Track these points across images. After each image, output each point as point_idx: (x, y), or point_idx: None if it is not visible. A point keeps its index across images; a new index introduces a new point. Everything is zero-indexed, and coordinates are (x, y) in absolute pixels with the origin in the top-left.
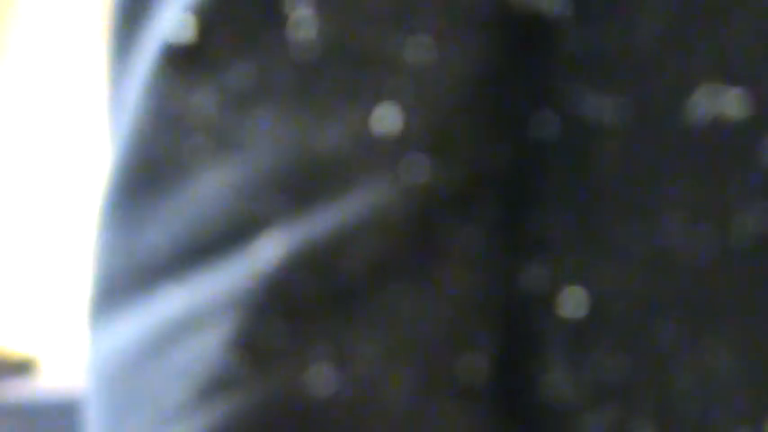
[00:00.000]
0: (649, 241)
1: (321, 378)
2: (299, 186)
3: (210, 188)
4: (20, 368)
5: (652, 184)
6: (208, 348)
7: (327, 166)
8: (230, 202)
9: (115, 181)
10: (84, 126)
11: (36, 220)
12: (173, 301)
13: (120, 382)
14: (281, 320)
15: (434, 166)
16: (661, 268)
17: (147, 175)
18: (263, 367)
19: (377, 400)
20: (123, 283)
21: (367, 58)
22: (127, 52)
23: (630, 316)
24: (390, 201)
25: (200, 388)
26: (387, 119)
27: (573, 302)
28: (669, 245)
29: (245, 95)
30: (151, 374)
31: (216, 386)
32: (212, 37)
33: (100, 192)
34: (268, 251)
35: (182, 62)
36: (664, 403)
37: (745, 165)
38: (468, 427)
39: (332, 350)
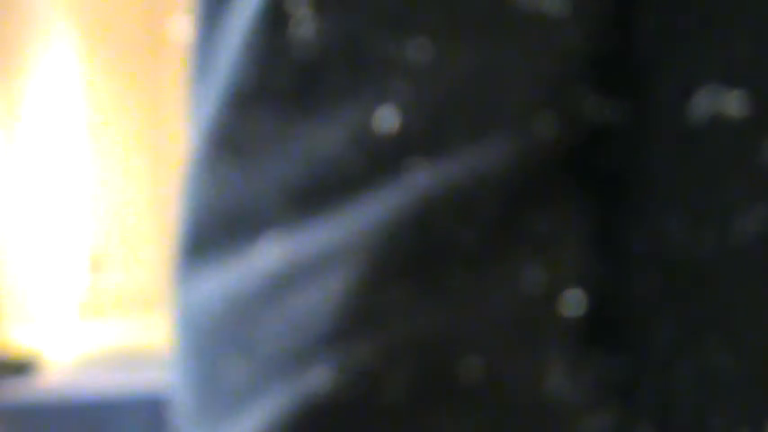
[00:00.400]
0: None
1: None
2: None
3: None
4: (20, 368)
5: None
6: (333, 292)
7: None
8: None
9: (212, 128)
10: (78, 130)
11: (37, 222)
12: (282, 249)
13: (221, 331)
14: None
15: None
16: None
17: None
18: (379, 322)
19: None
20: (220, 230)
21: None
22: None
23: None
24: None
25: (324, 333)
26: (385, 119)
27: (572, 302)
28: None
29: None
30: (268, 319)
31: (342, 332)
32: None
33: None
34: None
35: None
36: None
37: (746, 165)
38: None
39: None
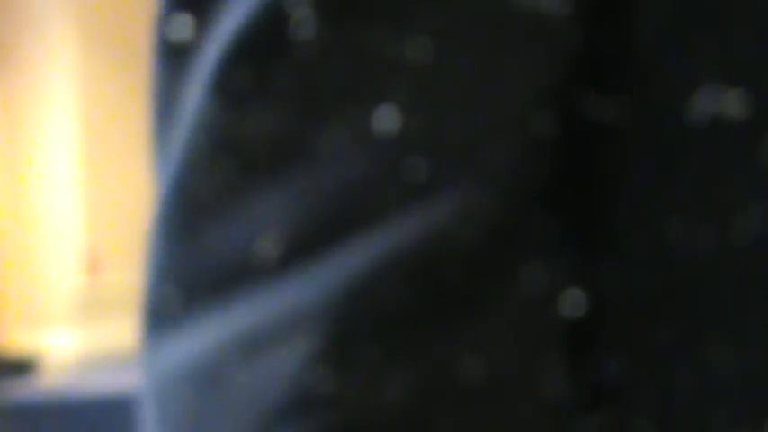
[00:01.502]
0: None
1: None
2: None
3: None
4: (20, 368)
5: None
6: (290, 362)
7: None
8: None
9: (175, 190)
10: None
11: (36, 222)
12: (245, 313)
13: (188, 399)
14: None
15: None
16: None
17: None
18: (351, 381)
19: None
20: (182, 296)
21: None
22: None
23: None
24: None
25: (282, 406)
26: (386, 119)
27: (572, 302)
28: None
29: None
30: (226, 390)
31: (300, 403)
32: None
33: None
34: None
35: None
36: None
37: (746, 164)
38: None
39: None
